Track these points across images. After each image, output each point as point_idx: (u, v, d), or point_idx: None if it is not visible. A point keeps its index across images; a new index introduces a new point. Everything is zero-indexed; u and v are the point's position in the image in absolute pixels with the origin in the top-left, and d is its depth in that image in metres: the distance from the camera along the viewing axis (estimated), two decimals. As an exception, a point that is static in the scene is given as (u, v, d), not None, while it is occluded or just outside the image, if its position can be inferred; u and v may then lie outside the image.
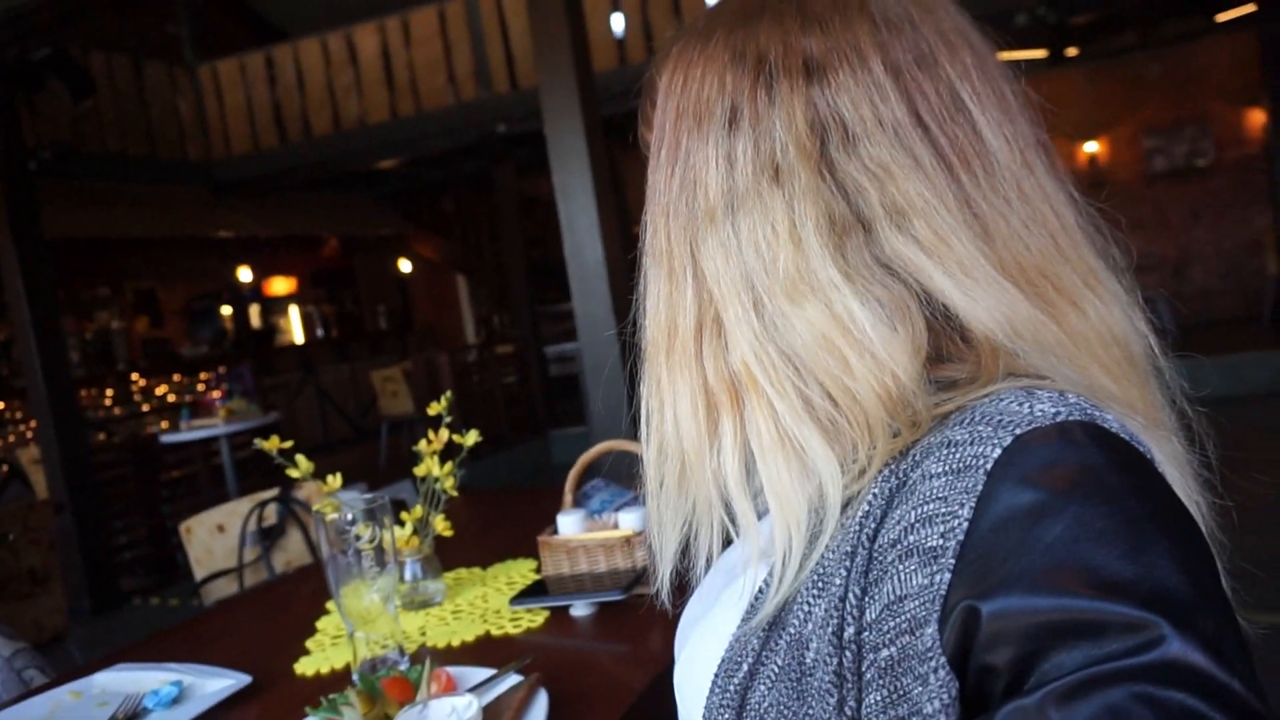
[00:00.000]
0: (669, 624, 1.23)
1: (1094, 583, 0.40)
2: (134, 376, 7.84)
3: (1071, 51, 7.75)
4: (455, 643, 1.25)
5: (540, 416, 8.32)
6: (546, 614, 1.30)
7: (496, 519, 2.03)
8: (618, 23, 7.05)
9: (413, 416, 7.50)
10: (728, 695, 0.53)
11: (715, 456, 0.55)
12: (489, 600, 1.40)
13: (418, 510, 1.44)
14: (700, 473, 0.57)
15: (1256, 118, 7.96)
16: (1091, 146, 8.56)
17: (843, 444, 0.52)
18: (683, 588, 0.73)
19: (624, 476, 1.70)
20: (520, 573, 1.52)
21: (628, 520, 1.36)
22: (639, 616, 1.27)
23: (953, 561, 0.44)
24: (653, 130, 0.60)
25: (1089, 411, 0.47)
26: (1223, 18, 7.19)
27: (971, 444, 0.46)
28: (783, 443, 0.52)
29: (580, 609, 1.28)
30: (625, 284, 3.54)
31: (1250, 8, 6.85)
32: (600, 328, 3.32)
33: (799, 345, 0.52)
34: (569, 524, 1.38)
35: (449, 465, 1.45)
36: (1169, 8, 7.10)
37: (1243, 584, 0.52)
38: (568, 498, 1.49)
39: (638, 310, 0.60)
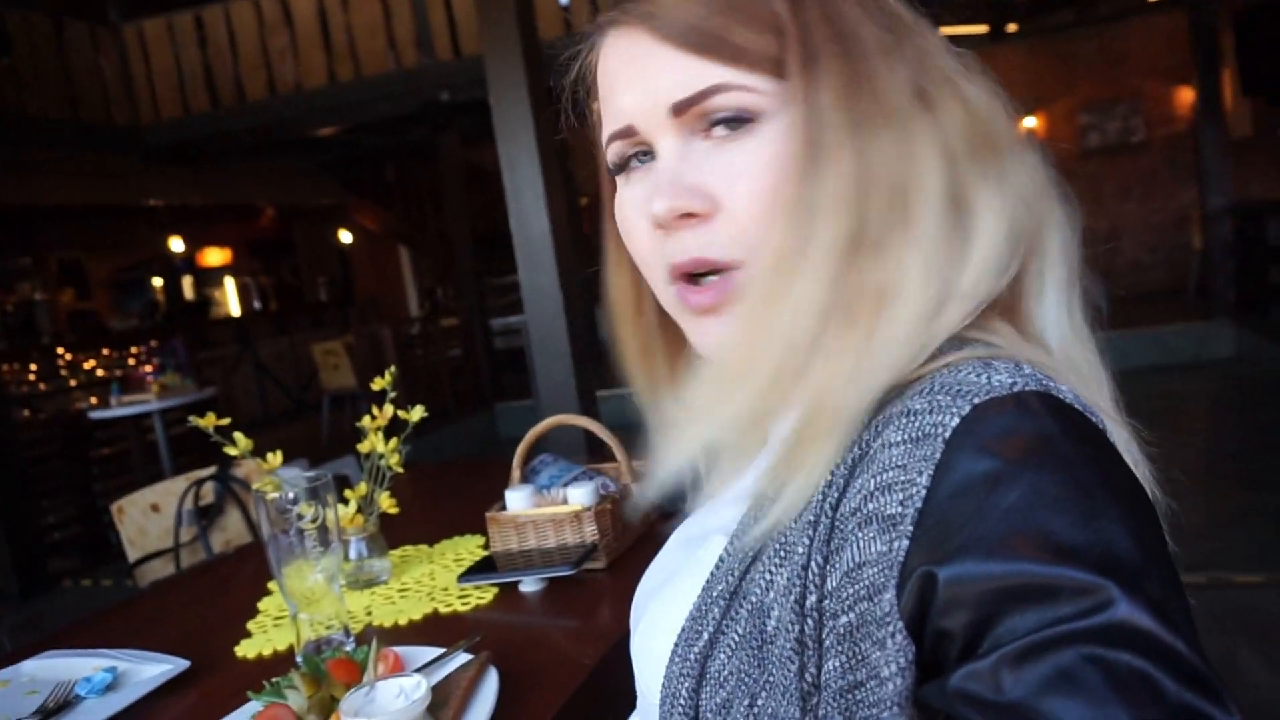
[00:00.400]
0: (619, 599, 1.24)
1: (1048, 548, 0.41)
2: (60, 350, 7.54)
3: (1011, 27, 7.86)
4: (402, 622, 1.23)
5: (486, 390, 8.24)
6: (495, 591, 1.29)
7: (442, 494, 2.00)
8: (563, -10, 6.92)
9: (355, 390, 7.37)
10: (688, 664, 0.53)
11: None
12: (436, 578, 1.38)
13: (362, 488, 1.41)
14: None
15: (1185, 96, 8.20)
16: (1030, 121, 8.73)
17: None
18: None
19: (573, 451, 1.69)
20: (468, 549, 1.50)
21: (577, 495, 1.35)
22: (589, 592, 1.27)
23: (911, 528, 0.45)
24: None
25: (1044, 382, 0.48)
26: (1155, -3, 7.37)
27: (930, 413, 0.47)
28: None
29: (529, 585, 1.28)
30: (571, 257, 3.51)
31: (1182, -13, 7.03)
32: (547, 301, 3.28)
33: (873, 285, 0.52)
34: (517, 499, 1.37)
35: (394, 441, 1.42)
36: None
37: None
38: (515, 473, 1.48)
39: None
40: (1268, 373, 5.60)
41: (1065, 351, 0.56)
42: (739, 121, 0.53)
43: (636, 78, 0.56)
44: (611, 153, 0.60)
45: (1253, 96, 6.87)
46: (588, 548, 1.29)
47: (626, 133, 0.58)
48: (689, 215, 0.54)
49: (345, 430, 7.44)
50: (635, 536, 1.40)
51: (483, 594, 1.29)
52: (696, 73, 0.53)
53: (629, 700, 0.78)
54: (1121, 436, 0.55)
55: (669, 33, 0.54)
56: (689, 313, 0.58)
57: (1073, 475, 0.43)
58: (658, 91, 0.55)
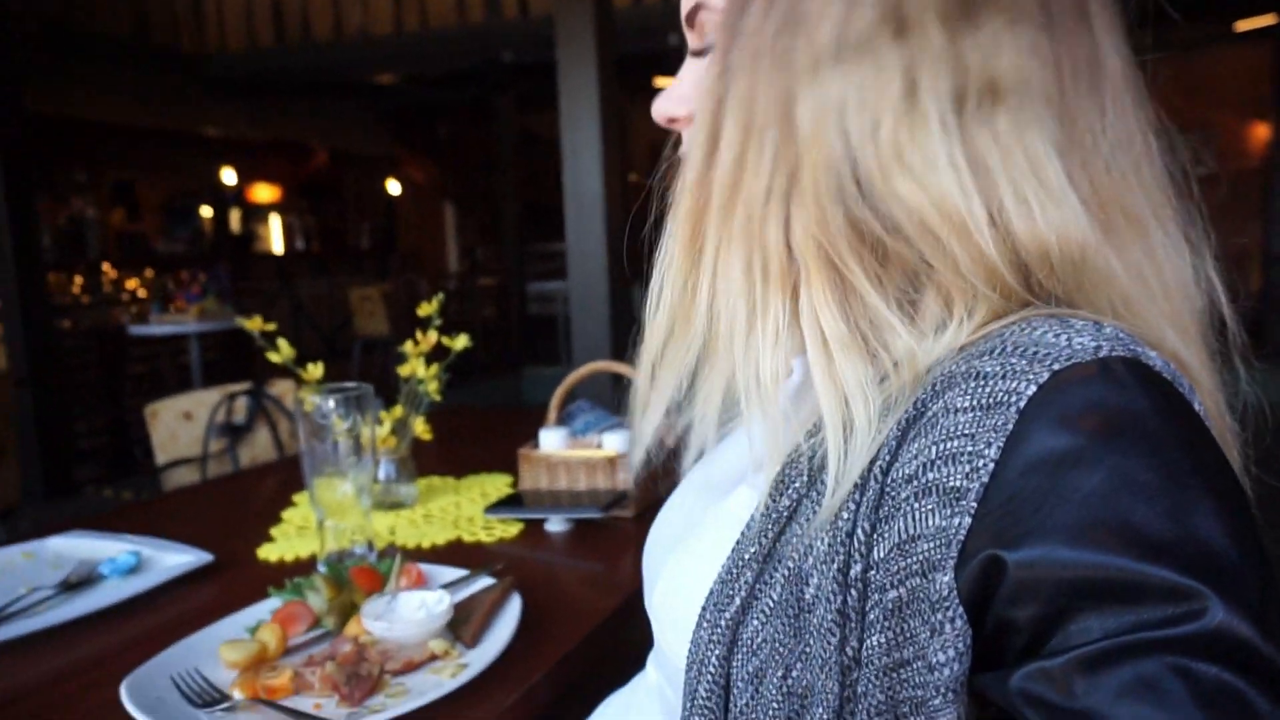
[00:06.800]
0: (642, 548, 1.22)
1: (1134, 541, 0.37)
2: (106, 267, 7.65)
3: (1089, 45, 7.67)
4: (425, 544, 1.22)
5: (516, 352, 8.26)
6: (521, 526, 1.28)
7: (473, 433, 2.00)
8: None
9: (388, 338, 7.41)
10: (718, 630, 0.49)
11: (757, 338, 0.50)
12: (462, 508, 1.37)
13: (398, 410, 1.41)
14: (726, 355, 0.51)
15: (1260, 132, 7.97)
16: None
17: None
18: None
19: (610, 401, 1.67)
20: (495, 487, 1.49)
21: (612, 442, 1.33)
22: (615, 539, 1.25)
23: (974, 505, 0.41)
24: None
25: (1131, 347, 0.43)
26: (1242, 26, 7.15)
27: (1003, 378, 0.43)
28: (851, 335, 0.48)
29: (556, 524, 1.26)
30: (620, 223, 3.48)
31: (1269, 20, 6.80)
32: (592, 263, 3.26)
33: (882, 227, 0.47)
34: (552, 439, 1.35)
35: (434, 368, 1.41)
36: (1187, 9, 7.04)
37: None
38: (552, 414, 1.46)
39: (678, 171, 0.54)
40: None
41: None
42: (708, 49, 0.56)
43: None
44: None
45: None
46: (619, 494, 1.27)
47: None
48: (674, 121, 0.59)
49: (374, 376, 7.49)
50: (666, 489, 1.38)
51: (508, 528, 1.27)
52: None
53: (644, 647, 0.75)
54: (1212, 408, 0.51)
55: None
56: None
57: (1163, 459, 0.39)
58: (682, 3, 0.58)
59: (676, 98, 0.58)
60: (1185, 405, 0.43)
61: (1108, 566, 0.37)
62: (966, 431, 0.42)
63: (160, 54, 7.64)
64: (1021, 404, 0.41)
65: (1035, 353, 0.43)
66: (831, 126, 0.47)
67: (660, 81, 8.00)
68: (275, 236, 10.49)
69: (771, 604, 0.47)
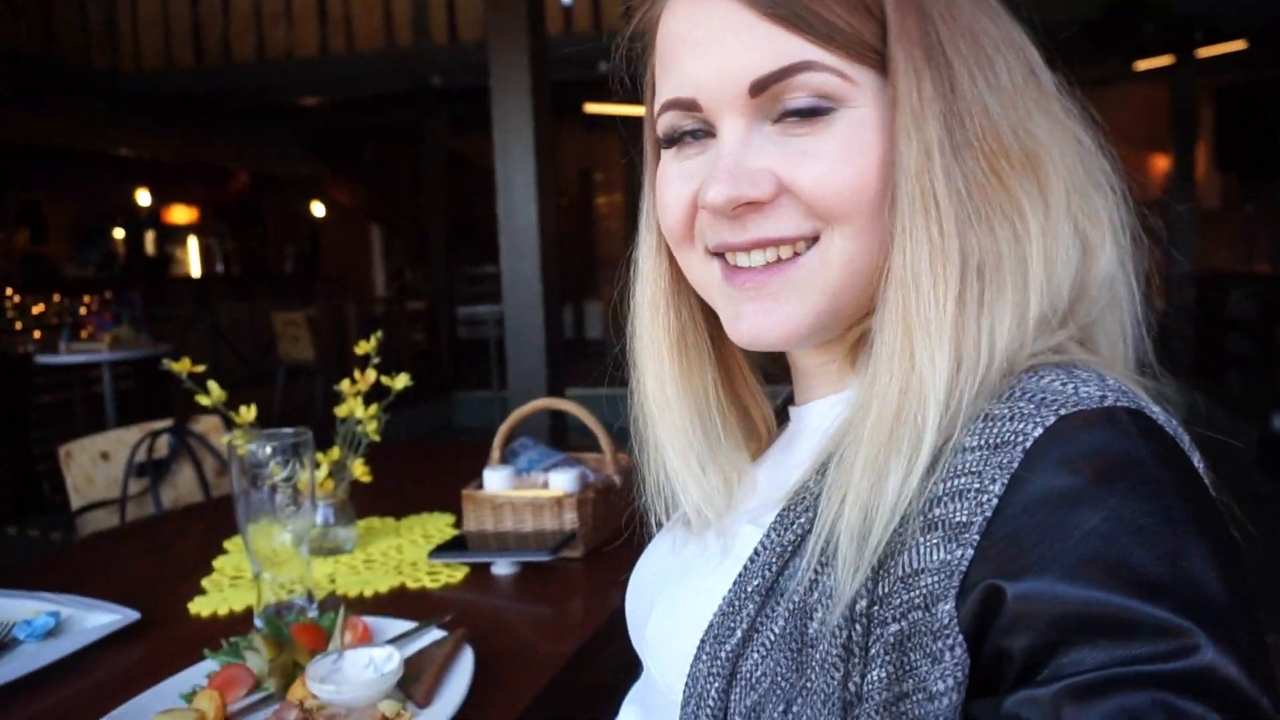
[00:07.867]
0: (594, 591, 1.20)
1: (1129, 580, 0.39)
2: (9, 292, 7.26)
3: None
4: (368, 592, 1.18)
5: (446, 377, 8.13)
6: (466, 570, 1.25)
7: (411, 470, 1.95)
8: (567, -11, 6.87)
9: (312, 365, 7.20)
10: (717, 663, 0.49)
11: None
12: (404, 552, 1.33)
13: (335, 452, 1.36)
14: None
15: (1160, 164, 8.43)
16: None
17: None
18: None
19: (550, 436, 1.65)
20: (437, 527, 1.46)
21: (559, 481, 1.31)
22: (563, 581, 1.23)
23: (977, 538, 0.42)
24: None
25: (1134, 399, 0.45)
26: (1141, 66, 7.56)
27: (1011, 420, 0.44)
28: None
29: (503, 568, 1.23)
30: (554, 248, 3.47)
31: (1167, 60, 7.22)
32: (527, 289, 3.23)
33: None
34: (496, 479, 1.33)
35: (374, 408, 1.37)
36: (1089, 52, 7.41)
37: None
38: (495, 453, 1.43)
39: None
40: (1217, 437, 5.75)
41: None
42: (815, 113, 0.49)
43: (711, 45, 0.50)
44: (664, 122, 0.55)
45: (1226, 171, 7.07)
46: (566, 535, 1.25)
47: (687, 105, 0.52)
48: (749, 204, 0.51)
49: (298, 403, 7.27)
50: (613, 529, 1.36)
51: (453, 573, 1.24)
52: (783, 47, 0.48)
53: (607, 692, 0.74)
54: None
55: None
56: (733, 292, 0.54)
57: (1161, 504, 0.41)
58: (735, 65, 0.50)
59: (751, 175, 0.50)
60: (1184, 457, 0.45)
61: (1103, 602, 0.39)
62: (973, 469, 0.44)
63: (70, 71, 7.34)
64: (1028, 444, 0.43)
65: (1043, 398, 0.45)
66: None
67: (590, 107, 8.03)
68: (193, 259, 10.15)
69: (773, 637, 0.48)
